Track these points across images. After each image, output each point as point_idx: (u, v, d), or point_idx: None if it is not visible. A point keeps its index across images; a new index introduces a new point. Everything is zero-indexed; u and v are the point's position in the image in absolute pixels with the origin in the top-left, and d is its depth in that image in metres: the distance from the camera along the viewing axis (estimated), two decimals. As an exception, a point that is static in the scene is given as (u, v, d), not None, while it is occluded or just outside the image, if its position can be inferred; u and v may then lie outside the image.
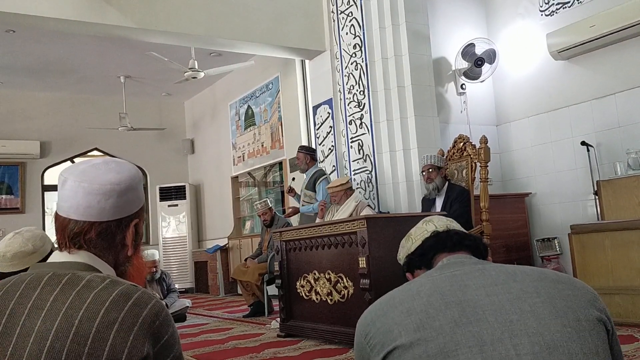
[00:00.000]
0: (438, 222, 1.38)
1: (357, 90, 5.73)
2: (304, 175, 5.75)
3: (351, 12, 5.79)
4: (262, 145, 8.63)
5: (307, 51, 6.41)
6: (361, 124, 5.68)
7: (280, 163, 8.26)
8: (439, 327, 1.04)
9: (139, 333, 0.92)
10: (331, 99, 6.20)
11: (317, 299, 4.11)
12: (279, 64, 7.97)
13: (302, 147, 5.85)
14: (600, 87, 5.27)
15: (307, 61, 6.99)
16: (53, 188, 9.58)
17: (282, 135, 8.09)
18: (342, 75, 5.92)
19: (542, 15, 5.75)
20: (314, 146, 6.47)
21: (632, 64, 5.02)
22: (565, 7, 5.51)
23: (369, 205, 4.84)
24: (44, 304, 0.93)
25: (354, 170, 5.79)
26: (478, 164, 4.40)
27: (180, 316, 5.94)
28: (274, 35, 6.10)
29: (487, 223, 4.23)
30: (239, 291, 6.89)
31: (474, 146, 4.49)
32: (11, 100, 9.40)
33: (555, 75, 5.67)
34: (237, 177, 9.46)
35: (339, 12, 5.97)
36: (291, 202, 6.72)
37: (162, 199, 10.02)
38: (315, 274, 4.13)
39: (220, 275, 8.87)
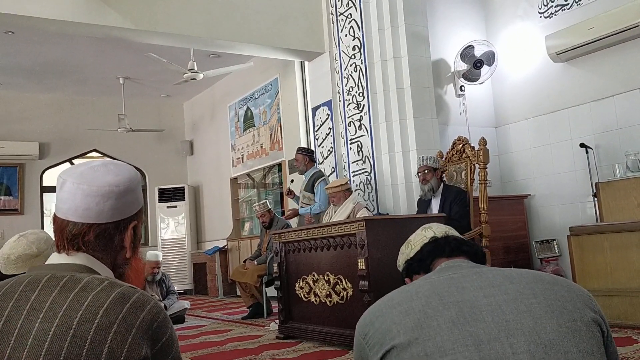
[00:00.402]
0: (437, 229, 1.42)
1: (356, 92, 5.73)
2: (303, 176, 5.75)
3: (350, 14, 5.80)
4: (261, 147, 8.63)
5: (306, 53, 6.42)
6: (360, 125, 5.68)
7: (280, 164, 8.26)
8: (436, 327, 1.06)
9: (137, 335, 0.92)
10: (330, 100, 6.20)
11: (316, 300, 4.11)
12: (278, 65, 7.97)
13: (300, 149, 5.85)
14: (599, 89, 5.28)
15: (306, 63, 6.99)
16: (52, 189, 9.57)
17: (281, 137, 8.09)
18: (342, 76, 5.93)
19: (541, 17, 5.76)
20: (312, 148, 6.47)
21: (631, 66, 5.02)
22: (564, 9, 5.52)
23: (366, 207, 4.84)
24: (42, 306, 0.93)
25: (353, 172, 5.79)
26: (477, 166, 4.41)
27: (179, 318, 5.94)
28: (273, 36, 6.11)
29: (486, 225, 4.23)
30: (238, 293, 6.88)
31: (473, 148, 4.49)
32: (10, 101, 9.40)
33: (554, 77, 5.68)
34: (236, 178, 9.45)
35: (338, 13, 5.98)
36: (290, 203, 6.72)
37: (161, 200, 10.02)
38: (314, 275, 4.13)
39: (219, 276, 8.86)
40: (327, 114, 6.24)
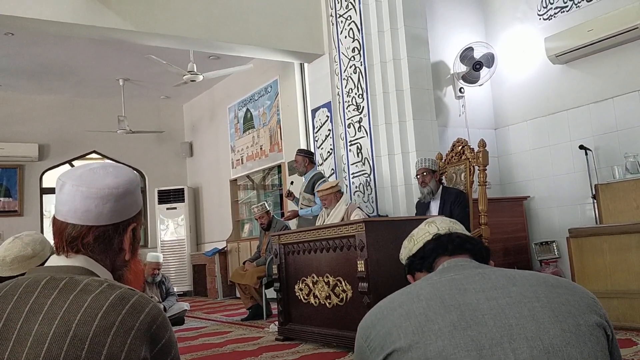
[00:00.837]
0: (440, 224, 1.38)
1: (355, 94, 5.74)
2: (302, 178, 5.75)
3: (350, 16, 5.81)
4: (261, 148, 8.64)
5: (306, 54, 6.42)
6: (360, 127, 5.68)
7: (279, 166, 8.26)
8: (437, 331, 1.05)
9: (136, 337, 0.92)
10: (330, 102, 6.20)
11: (315, 302, 4.11)
12: (278, 67, 7.98)
13: (300, 150, 5.85)
14: (599, 91, 5.28)
15: (306, 64, 7.00)
16: (51, 191, 9.58)
17: (281, 139, 8.10)
18: (341, 78, 5.93)
19: (540, 19, 5.77)
20: (312, 149, 6.47)
21: (630, 68, 5.03)
22: (564, 11, 5.53)
23: (359, 207, 4.83)
24: (42, 308, 0.93)
25: (352, 174, 5.80)
26: (476, 168, 4.41)
27: (178, 319, 5.93)
28: (273, 38, 6.11)
29: (485, 226, 4.23)
30: (238, 294, 6.88)
31: (473, 150, 4.49)
32: (10, 103, 9.41)
33: (553, 79, 5.69)
34: (235, 180, 9.46)
35: (338, 15, 5.99)
36: (290, 205, 6.72)
37: (160, 202, 10.02)
38: (313, 277, 4.13)
39: (219, 278, 8.86)
40: (327, 116, 6.24)
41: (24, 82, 8.89)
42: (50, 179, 9.68)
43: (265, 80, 8.44)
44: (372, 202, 5.55)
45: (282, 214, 7.94)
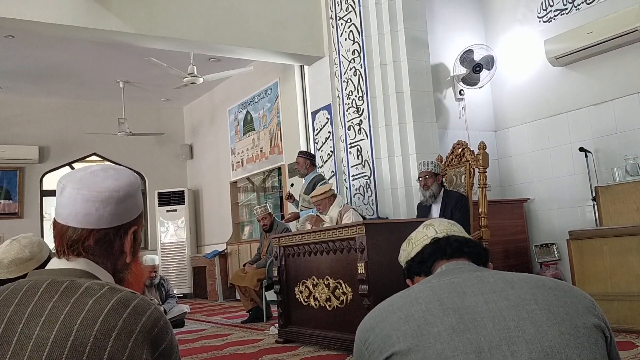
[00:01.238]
0: (439, 227, 1.37)
1: (355, 96, 5.74)
2: (303, 180, 5.75)
3: (350, 18, 5.81)
4: (261, 151, 8.64)
5: (306, 57, 6.43)
6: (360, 129, 5.69)
7: (279, 168, 8.26)
8: (436, 334, 1.05)
9: (137, 340, 0.92)
10: (330, 104, 6.21)
11: (315, 304, 4.11)
12: (278, 69, 7.99)
13: (302, 152, 5.86)
14: (598, 93, 5.29)
15: (306, 67, 7.01)
16: (52, 193, 9.57)
17: (281, 141, 8.10)
18: (341, 81, 5.94)
19: (540, 21, 5.78)
20: (312, 152, 6.48)
21: (630, 70, 5.04)
22: (563, 14, 5.54)
23: (353, 208, 4.82)
24: (43, 311, 0.93)
25: (352, 176, 5.80)
26: (477, 170, 4.41)
27: (178, 322, 5.93)
28: (273, 41, 6.12)
29: (485, 229, 4.23)
30: (238, 297, 6.88)
31: (473, 152, 4.49)
32: (10, 105, 9.41)
33: (553, 82, 5.69)
34: (235, 182, 9.46)
35: (338, 18, 6.00)
36: (290, 207, 6.72)
37: (160, 204, 10.02)
38: (314, 279, 4.13)
39: (219, 280, 8.85)
40: (327, 118, 6.25)
41: (25, 85, 8.90)
42: (50, 182, 9.69)
43: (265, 82, 8.45)
44: (372, 204, 5.55)
45: (282, 216, 7.95)
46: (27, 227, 9.04)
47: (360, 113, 5.68)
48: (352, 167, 5.80)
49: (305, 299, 4.22)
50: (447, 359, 1.02)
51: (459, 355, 1.02)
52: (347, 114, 5.86)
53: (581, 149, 5.21)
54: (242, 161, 9.17)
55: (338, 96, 6.01)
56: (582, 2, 5.34)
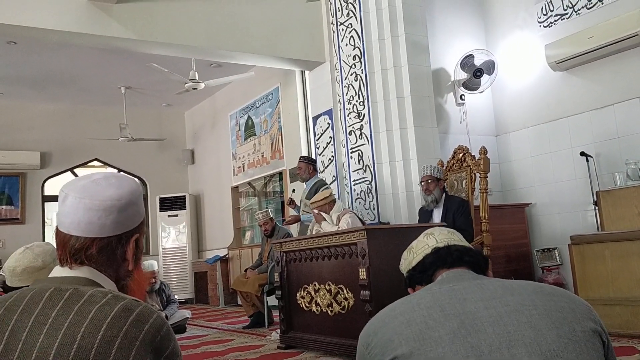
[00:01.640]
0: (439, 236, 1.39)
1: (356, 101, 5.75)
2: (304, 185, 5.75)
3: (351, 24, 5.83)
4: (262, 156, 8.65)
5: (307, 62, 6.45)
6: (361, 134, 5.70)
7: (280, 173, 8.27)
8: (438, 338, 1.07)
9: (140, 348, 0.92)
10: (331, 109, 6.22)
11: (317, 310, 4.10)
12: (279, 74, 8.01)
13: (304, 157, 5.86)
14: (599, 98, 5.29)
15: (307, 72, 7.03)
16: (53, 199, 9.59)
17: (282, 146, 8.11)
18: (342, 86, 5.95)
19: (540, 26, 5.79)
20: (313, 156, 6.49)
21: (630, 74, 5.04)
22: (564, 19, 5.55)
23: (352, 212, 4.82)
24: (47, 319, 0.93)
25: (353, 181, 5.80)
26: (478, 175, 4.41)
27: (180, 327, 5.92)
28: (274, 46, 6.14)
29: (487, 234, 4.23)
30: (239, 302, 6.87)
31: (474, 157, 4.50)
32: (12, 111, 9.44)
33: (554, 86, 5.70)
34: (237, 187, 9.47)
35: (339, 23, 6.01)
36: (291, 213, 6.72)
37: (162, 209, 10.03)
38: (315, 285, 4.13)
39: (220, 285, 8.85)
40: (328, 123, 6.26)
41: (27, 90, 8.93)
42: (52, 187, 9.70)
43: (266, 87, 8.47)
44: (374, 209, 5.56)
45: (284, 221, 7.95)
46: (28, 233, 9.06)
47: (361, 118, 5.69)
48: (353, 172, 5.81)
49: (307, 305, 4.22)
50: None
51: (460, 359, 1.04)
52: (348, 119, 5.87)
53: (582, 154, 5.21)
54: (243, 166, 9.18)
55: (339, 101, 6.02)
56: (583, 7, 5.36)
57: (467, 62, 5.99)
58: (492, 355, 1.03)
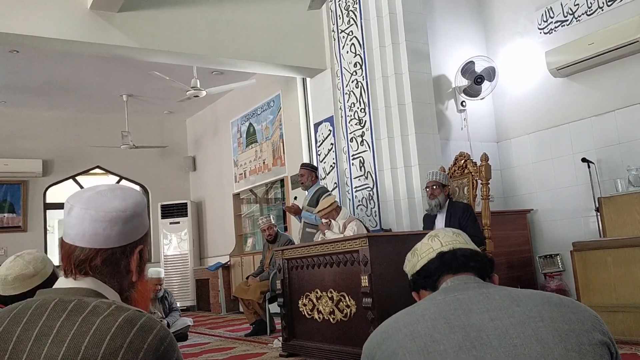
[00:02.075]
0: (444, 239, 1.35)
1: (358, 108, 5.77)
2: (305, 192, 5.75)
3: (351, 31, 5.85)
4: (264, 163, 8.66)
5: (308, 69, 6.47)
6: (362, 141, 5.71)
7: (282, 180, 8.28)
8: (443, 351, 1.05)
9: (144, 358, 0.93)
10: (332, 116, 6.24)
11: (319, 317, 4.10)
12: (280, 82, 8.03)
13: (306, 164, 5.86)
14: (600, 104, 5.30)
15: (308, 79, 7.04)
16: (55, 206, 9.60)
17: (284, 153, 8.12)
18: (343, 93, 5.97)
19: (540, 33, 5.80)
20: (315, 163, 6.50)
21: (631, 81, 5.05)
22: (564, 25, 5.56)
23: (358, 219, 4.82)
24: (51, 331, 0.94)
25: (355, 188, 5.81)
26: (479, 182, 4.41)
27: (181, 335, 5.91)
28: (275, 54, 6.16)
29: (489, 240, 4.23)
30: (241, 309, 6.86)
31: (475, 163, 4.50)
32: (14, 119, 9.47)
33: (554, 93, 5.71)
34: (238, 194, 9.47)
35: (340, 31, 6.04)
36: (292, 220, 6.72)
37: (163, 216, 10.03)
38: (317, 292, 4.13)
39: (222, 293, 8.84)
40: (329, 130, 6.27)
41: (29, 99, 8.96)
42: (54, 195, 9.71)
43: (268, 95, 8.49)
44: (375, 215, 5.56)
45: (285, 228, 7.95)
46: (30, 241, 9.06)
47: (362, 125, 5.71)
48: (354, 178, 5.81)
49: (309, 312, 4.21)
50: None
51: None
52: (349, 126, 5.88)
53: (584, 160, 5.21)
54: (244, 173, 9.19)
55: (340, 108, 6.03)
56: (583, 14, 5.37)
57: (467, 68, 6.01)
58: None
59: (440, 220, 4.50)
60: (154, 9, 5.54)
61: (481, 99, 6.12)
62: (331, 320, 3.97)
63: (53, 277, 1.83)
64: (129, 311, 0.97)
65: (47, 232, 9.75)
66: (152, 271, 6.09)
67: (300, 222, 5.66)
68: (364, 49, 5.70)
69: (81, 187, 9.39)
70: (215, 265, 8.92)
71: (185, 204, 10.12)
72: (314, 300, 4.15)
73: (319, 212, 4.82)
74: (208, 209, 10.38)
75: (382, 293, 3.52)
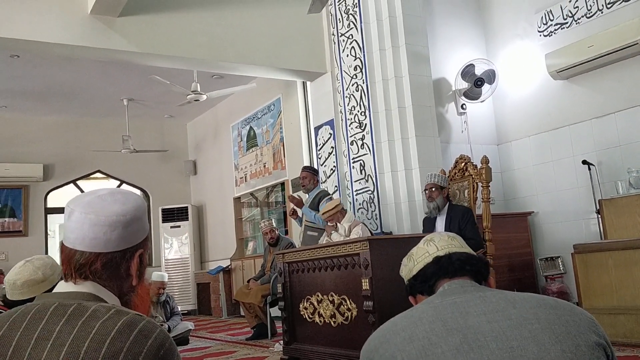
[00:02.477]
0: (439, 243, 1.36)
1: (358, 111, 5.77)
2: (306, 195, 5.75)
3: (351, 35, 5.86)
4: (264, 166, 8.66)
5: (308, 73, 6.48)
6: (363, 144, 5.71)
7: (283, 184, 8.28)
8: (441, 354, 1.05)
9: (143, 363, 0.93)
10: (332, 120, 6.24)
11: (320, 321, 4.09)
12: (281, 85, 8.04)
13: (308, 167, 5.85)
14: (600, 106, 5.30)
15: (308, 83, 7.05)
16: (56, 211, 9.60)
17: (284, 156, 8.13)
18: (343, 96, 5.97)
19: (540, 35, 5.81)
20: (316, 167, 6.50)
21: (631, 83, 5.05)
22: (564, 28, 5.57)
23: (363, 223, 4.82)
24: (50, 335, 0.94)
25: (355, 191, 5.81)
26: (480, 184, 4.41)
27: (183, 339, 5.91)
28: (276, 57, 6.17)
29: (490, 243, 4.22)
30: (242, 313, 6.86)
31: (475, 166, 4.50)
32: (15, 123, 9.48)
33: (555, 95, 5.71)
34: (239, 197, 9.47)
35: (340, 34, 6.05)
36: (293, 224, 6.72)
37: (164, 220, 10.03)
38: (318, 295, 4.12)
39: (223, 296, 8.83)
40: (330, 133, 6.28)
41: (29, 103, 8.97)
42: (55, 199, 9.71)
43: (268, 98, 8.50)
44: (376, 218, 5.55)
45: (286, 232, 7.95)
46: (31, 245, 9.06)
47: (362, 128, 5.71)
48: (355, 181, 5.82)
49: (310, 316, 4.21)
50: None
51: None
52: (349, 129, 5.88)
53: (584, 162, 5.21)
54: (245, 177, 9.19)
55: (340, 111, 6.04)
56: (583, 16, 5.38)
57: (467, 71, 6.01)
58: None
59: (440, 223, 4.50)
60: (154, 13, 5.55)
61: (481, 101, 6.12)
62: (332, 323, 3.96)
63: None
64: (128, 315, 0.97)
65: (48, 236, 9.76)
66: (155, 275, 6.09)
67: (301, 223, 5.66)
68: (364, 52, 5.70)
69: (82, 191, 9.40)
70: (216, 269, 8.91)
71: (186, 208, 10.12)
72: (315, 303, 4.15)
73: (323, 213, 4.82)
74: (209, 212, 10.38)
75: (383, 296, 3.52)
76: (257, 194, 9.20)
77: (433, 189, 4.46)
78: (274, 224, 6.39)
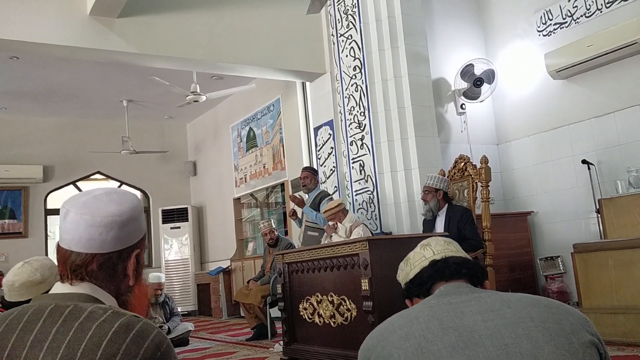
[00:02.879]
0: (436, 247, 1.39)
1: (357, 112, 5.77)
2: (306, 196, 5.75)
3: (351, 35, 5.86)
4: (264, 167, 8.66)
5: (307, 73, 6.48)
6: (362, 144, 5.71)
7: (282, 184, 8.28)
8: (437, 352, 1.07)
9: (140, 364, 0.92)
10: (332, 120, 6.24)
11: (320, 321, 4.09)
12: (280, 86, 8.04)
13: (308, 168, 5.85)
14: (600, 106, 5.30)
15: (307, 83, 7.05)
16: (56, 212, 9.60)
17: (284, 157, 8.13)
18: (343, 96, 5.97)
19: (539, 35, 5.81)
20: (315, 167, 6.50)
21: (630, 82, 5.05)
22: (563, 27, 5.57)
23: (363, 224, 4.82)
24: (46, 337, 0.93)
25: (355, 191, 5.80)
26: (479, 184, 4.41)
27: (182, 340, 5.91)
28: (275, 58, 6.17)
29: (489, 243, 4.22)
30: (242, 314, 6.85)
31: (475, 166, 4.49)
32: (14, 125, 9.48)
33: (554, 95, 5.71)
34: (239, 198, 9.47)
35: (339, 35, 6.04)
36: (293, 224, 6.71)
37: (164, 221, 10.03)
38: (318, 296, 4.12)
39: (223, 297, 8.83)
40: (329, 134, 6.27)
41: (29, 105, 8.97)
42: (54, 201, 9.71)
43: (267, 99, 8.50)
44: (376, 219, 5.55)
45: (286, 232, 7.94)
46: (31, 247, 9.06)
47: (362, 128, 5.71)
48: (354, 182, 5.81)
49: (310, 316, 4.21)
50: None
51: None
52: (349, 130, 5.88)
53: (584, 162, 5.21)
54: (245, 177, 9.19)
55: (340, 112, 6.04)
56: (582, 16, 5.38)
57: (467, 71, 6.01)
58: None
59: (439, 224, 4.50)
60: (153, 14, 5.55)
61: (481, 101, 6.12)
62: (332, 324, 3.96)
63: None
64: (125, 317, 0.97)
65: (48, 238, 9.75)
66: (152, 276, 6.09)
67: (300, 224, 5.66)
68: (363, 52, 5.70)
69: (82, 192, 9.38)
70: (216, 269, 8.91)
71: (185, 209, 10.12)
72: (315, 304, 4.15)
73: (325, 212, 4.83)
74: (209, 213, 10.38)
75: (382, 296, 3.51)
76: (256, 195, 9.20)
77: (426, 192, 4.48)
78: (274, 225, 6.39)
